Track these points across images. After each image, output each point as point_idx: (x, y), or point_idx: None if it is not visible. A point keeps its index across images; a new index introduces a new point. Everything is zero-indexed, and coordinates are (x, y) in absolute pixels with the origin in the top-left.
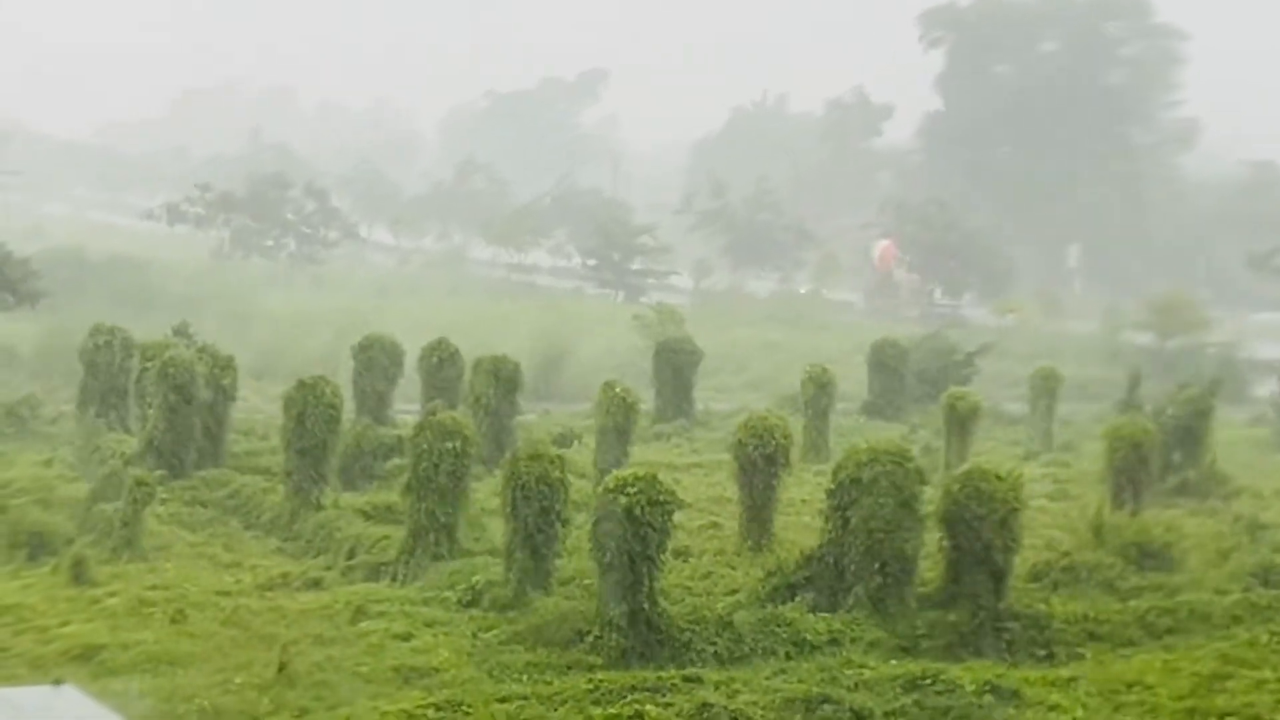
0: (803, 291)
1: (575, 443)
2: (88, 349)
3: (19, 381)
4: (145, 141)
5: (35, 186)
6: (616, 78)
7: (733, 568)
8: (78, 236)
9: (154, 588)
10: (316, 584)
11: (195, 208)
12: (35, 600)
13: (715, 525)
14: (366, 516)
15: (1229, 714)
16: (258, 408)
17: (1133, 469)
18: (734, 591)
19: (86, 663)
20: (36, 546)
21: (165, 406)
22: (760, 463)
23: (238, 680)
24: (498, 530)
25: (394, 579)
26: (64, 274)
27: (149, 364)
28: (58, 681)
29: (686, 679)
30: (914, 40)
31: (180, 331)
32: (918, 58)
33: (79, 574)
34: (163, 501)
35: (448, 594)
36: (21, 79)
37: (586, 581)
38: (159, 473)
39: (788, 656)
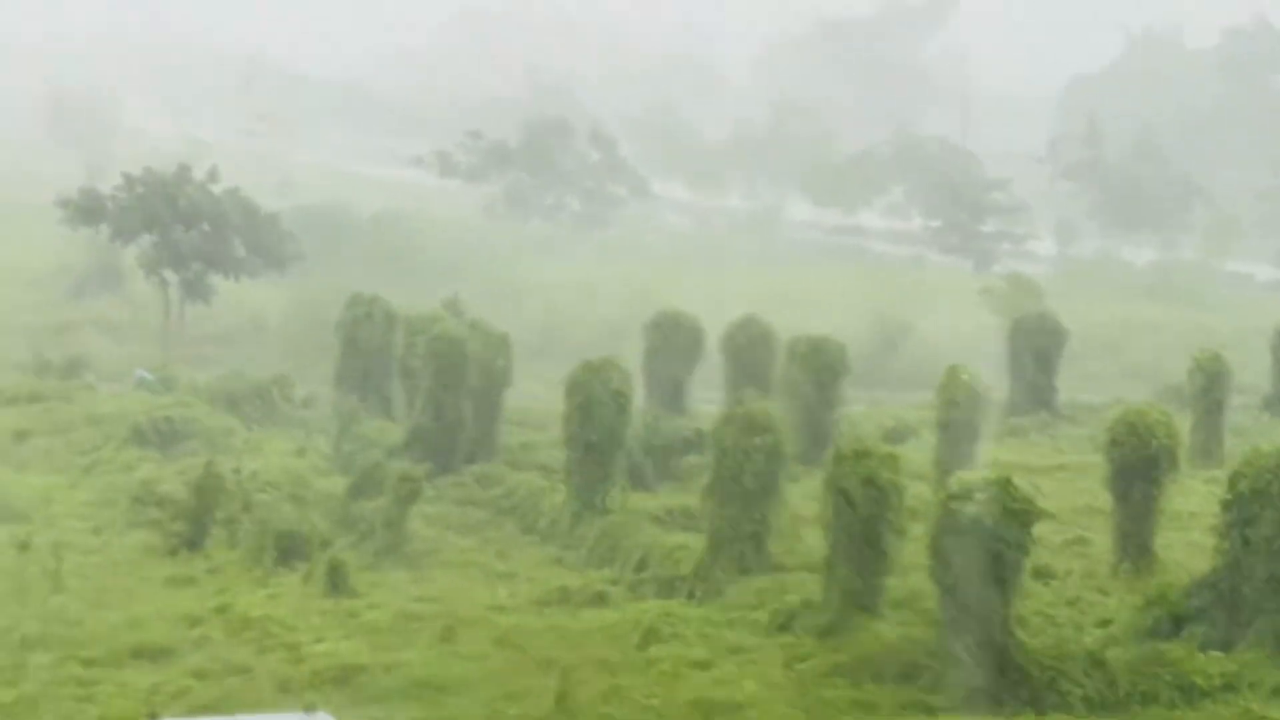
0: (1190, 260)
1: (911, 438)
2: (345, 322)
3: (268, 357)
4: (406, 77)
5: (285, 132)
6: (968, 3)
7: (1105, 593)
8: (332, 190)
9: (420, 600)
10: (601, 600)
11: (467, 158)
12: (285, 612)
13: (1083, 541)
14: (659, 522)
15: None
16: (535, 394)
17: None
18: (1106, 622)
19: (343, 686)
20: (287, 549)
21: (433, 390)
22: (1138, 467)
23: (511, 712)
24: (816, 541)
25: (691, 596)
26: (318, 234)
27: (415, 340)
28: (310, 708)
29: None
30: None
31: (451, 306)
32: None
33: (335, 582)
34: (430, 500)
35: (755, 615)
36: (267, 7)
37: (924, 605)
38: (425, 466)
39: (1172, 704)
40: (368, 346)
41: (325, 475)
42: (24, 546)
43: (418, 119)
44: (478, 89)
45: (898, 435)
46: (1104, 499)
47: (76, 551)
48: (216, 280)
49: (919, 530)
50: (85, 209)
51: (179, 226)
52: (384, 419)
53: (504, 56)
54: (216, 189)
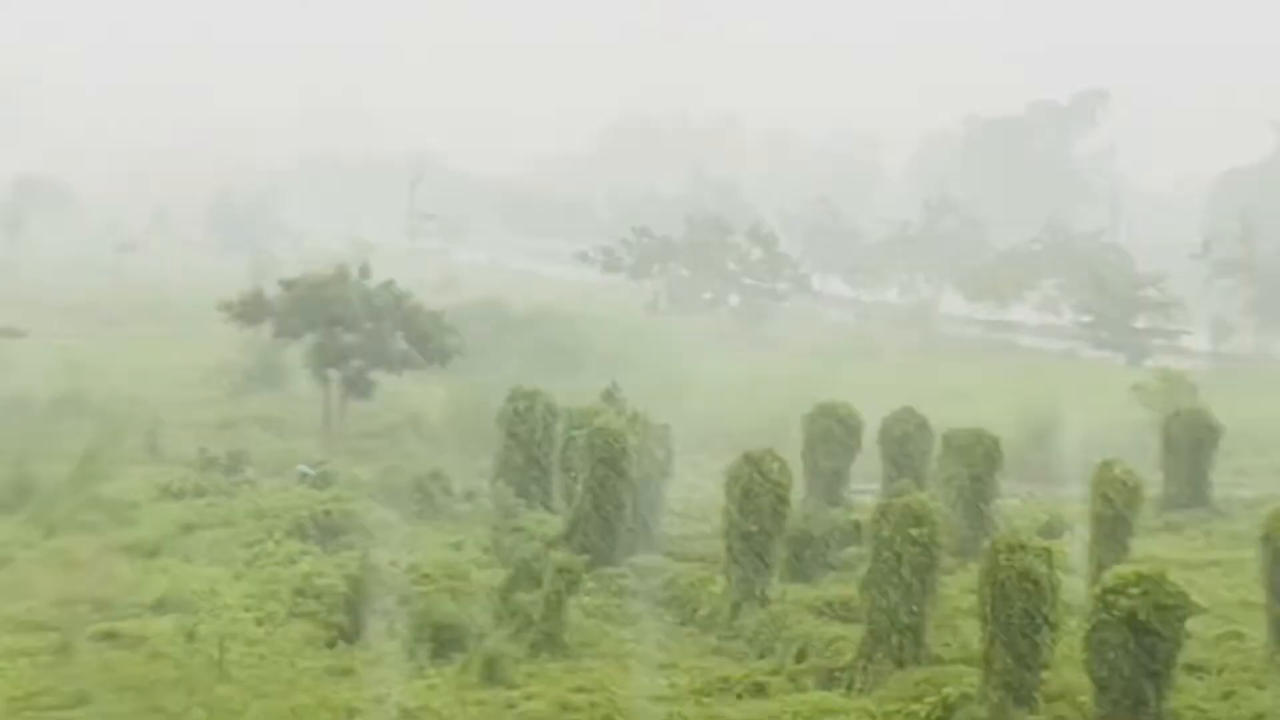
0: None
1: (1066, 533)
2: (506, 415)
3: (428, 452)
4: (573, 179)
5: (451, 231)
6: (1117, 100)
7: (1260, 687)
8: (496, 287)
9: (578, 690)
10: (760, 690)
11: (628, 255)
12: (442, 703)
13: (1238, 635)
14: (818, 613)
15: None
16: (695, 485)
17: None
18: (1261, 716)
19: None
20: (444, 640)
21: (592, 482)
22: None
23: None
24: (973, 634)
25: (850, 687)
26: (480, 329)
27: (575, 433)
28: None
29: None
30: None
31: (609, 396)
32: None
33: (492, 673)
34: (588, 591)
35: (914, 707)
36: (432, 111)
37: (1080, 699)
38: (584, 558)
39: None
40: (528, 439)
41: (484, 567)
42: (191, 636)
43: (580, 217)
44: (639, 187)
45: (1052, 529)
46: (1258, 593)
47: (240, 642)
48: (378, 375)
49: (1073, 624)
50: (248, 311)
51: (339, 326)
52: (543, 510)
53: (666, 156)
54: (376, 285)
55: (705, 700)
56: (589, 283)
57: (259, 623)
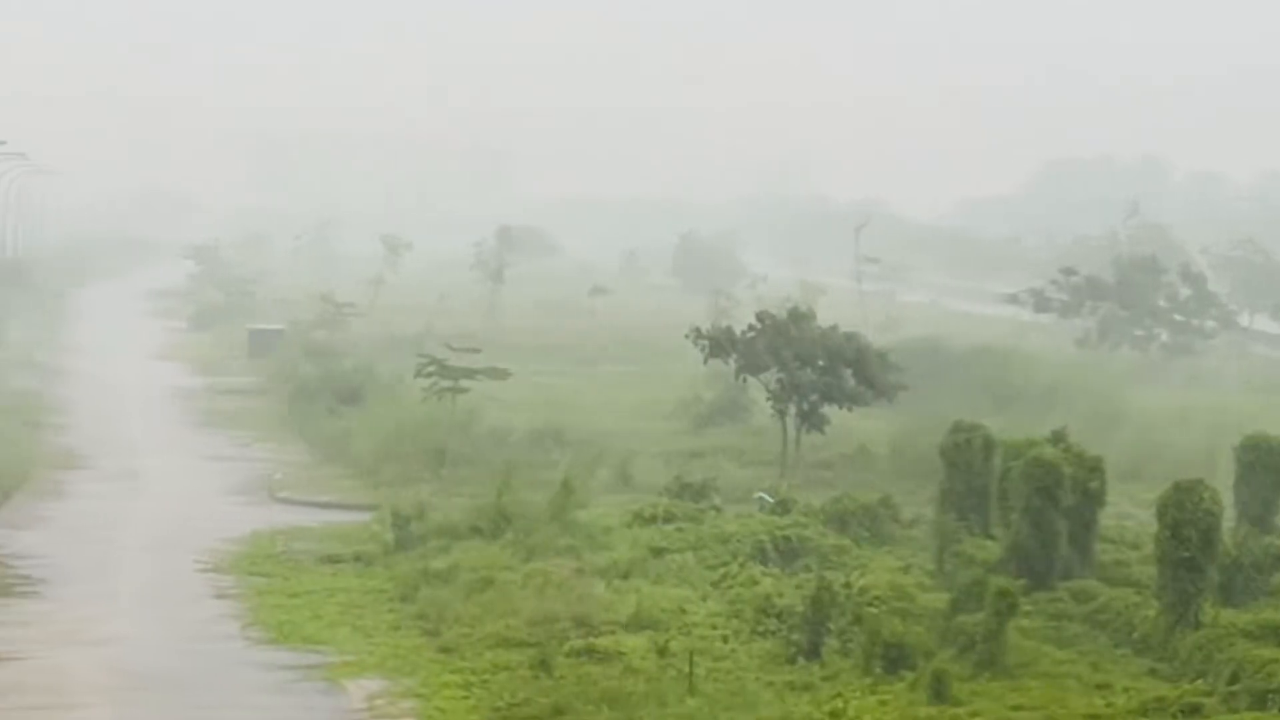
0: None
1: None
2: (948, 447)
3: (874, 480)
4: (1006, 220)
5: (892, 274)
6: None
7: None
8: (933, 326)
9: (1018, 709)
10: (1195, 711)
11: (1060, 294)
12: (892, 717)
13: None
14: (1251, 637)
15: None
16: (1127, 513)
17: None
18: None
19: None
20: (894, 659)
21: (1029, 511)
22: None
23: None
24: None
25: None
26: (921, 366)
27: (1012, 464)
28: None
29: None
30: None
31: (1059, 437)
32: None
33: (938, 690)
34: (1025, 614)
35: None
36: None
37: None
38: (1021, 582)
39: None
40: (968, 469)
41: (928, 590)
42: (662, 652)
43: (1018, 260)
44: (1068, 229)
45: None
46: None
47: (708, 658)
48: (829, 410)
49: None
50: (718, 343)
51: (796, 363)
52: (983, 537)
53: (1093, 199)
54: (827, 326)
55: None
56: (1020, 322)
57: (724, 640)
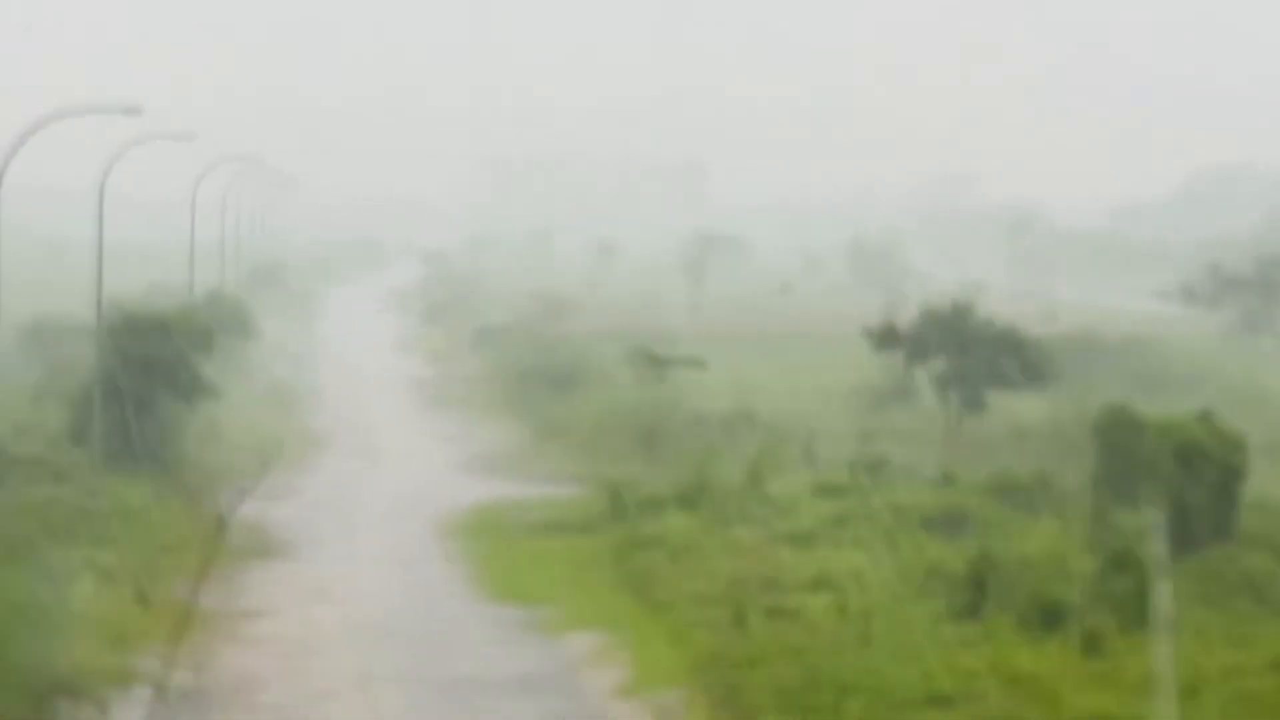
0: None
1: None
2: (1100, 427)
3: (1032, 459)
4: (1157, 224)
5: (1046, 271)
6: None
7: None
8: (1087, 320)
9: (1163, 663)
10: None
11: (1206, 288)
12: (1048, 670)
13: None
14: None
15: None
16: (1268, 491)
17: None
18: None
19: None
20: (1049, 618)
21: (1175, 484)
22: None
23: None
24: None
25: None
26: (1074, 356)
27: (1161, 442)
28: None
29: None
30: None
31: (1204, 418)
32: None
33: (1091, 645)
34: (1171, 578)
35: None
36: (1032, 168)
37: None
38: (1167, 548)
39: None
40: (1118, 448)
41: (1079, 556)
42: (841, 611)
43: (1161, 259)
44: (1214, 230)
45: None
46: None
47: (881, 616)
48: (989, 396)
49: None
50: (886, 336)
51: (959, 353)
52: (1132, 510)
53: (1236, 200)
54: (985, 318)
55: (1275, 673)
56: (1168, 316)
57: (896, 600)
